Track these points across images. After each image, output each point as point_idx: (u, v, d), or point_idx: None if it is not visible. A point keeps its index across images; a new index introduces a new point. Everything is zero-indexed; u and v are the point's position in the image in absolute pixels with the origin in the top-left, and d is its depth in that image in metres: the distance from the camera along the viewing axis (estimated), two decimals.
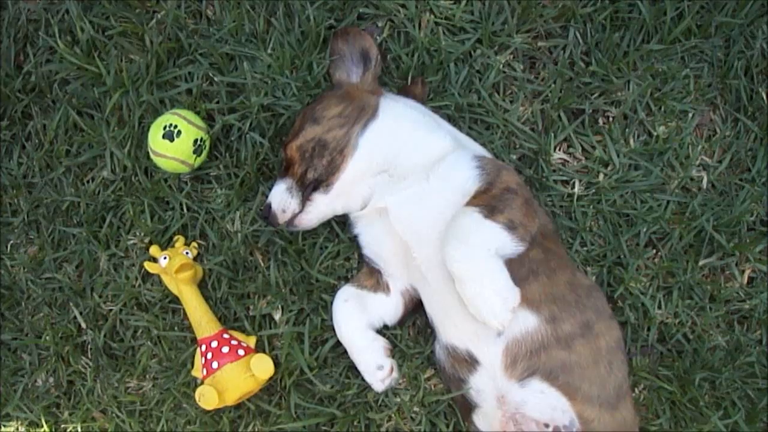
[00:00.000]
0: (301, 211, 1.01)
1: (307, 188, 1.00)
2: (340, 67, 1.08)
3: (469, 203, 0.88)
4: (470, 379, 0.93)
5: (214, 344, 1.05)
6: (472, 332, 0.91)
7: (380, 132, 0.98)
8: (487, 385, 0.91)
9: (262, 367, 1.02)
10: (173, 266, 1.06)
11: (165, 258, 1.08)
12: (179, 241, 1.12)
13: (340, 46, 1.08)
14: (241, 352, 1.05)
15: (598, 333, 0.88)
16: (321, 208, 1.01)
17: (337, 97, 1.02)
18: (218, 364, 1.03)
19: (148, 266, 1.10)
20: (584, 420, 0.86)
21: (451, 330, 0.94)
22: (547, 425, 0.86)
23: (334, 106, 1.00)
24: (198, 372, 1.07)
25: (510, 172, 0.95)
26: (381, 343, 1.02)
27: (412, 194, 0.93)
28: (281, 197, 1.01)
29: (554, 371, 0.86)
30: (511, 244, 0.87)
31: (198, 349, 1.07)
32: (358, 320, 1.01)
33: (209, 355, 1.05)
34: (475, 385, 0.92)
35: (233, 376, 1.03)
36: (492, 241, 0.85)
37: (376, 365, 1.01)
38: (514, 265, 0.86)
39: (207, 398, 1.01)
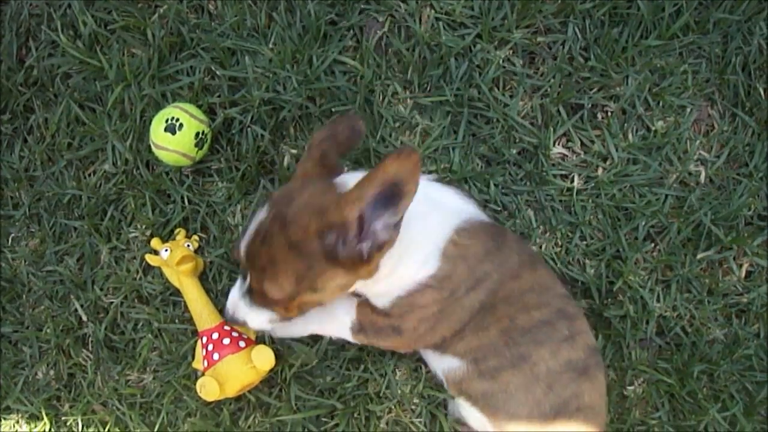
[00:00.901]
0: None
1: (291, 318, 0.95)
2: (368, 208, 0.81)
3: (359, 312, 0.97)
4: None
5: (215, 336, 1.05)
6: (424, 353, 1.06)
7: (372, 286, 0.92)
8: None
9: (263, 358, 1.03)
10: (174, 258, 1.06)
11: (166, 250, 1.09)
12: (180, 233, 1.13)
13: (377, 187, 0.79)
14: (242, 343, 1.05)
15: (537, 361, 0.91)
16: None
17: (341, 269, 0.84)
18: (219, 355, 1.04)
19: (150, 259, 1.10)
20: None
21: None
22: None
23: (339, 278, 0.85)
24: (199, 364, 1.08)
25: (422, 310, 0.91)
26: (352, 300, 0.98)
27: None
28: (261, 324, 0.94)
29: (474, 397, 0.96)
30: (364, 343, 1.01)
31: (199, 341, 1.08)
32: None
33: (210, 347, 1.05)
34: None
35: (234, 368, 1.03)
36: (333, 333, 1.02)
37: (350, 320, 1.00)
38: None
39: (208, 389, 1.02)
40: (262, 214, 0.87)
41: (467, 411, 1.00)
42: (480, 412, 0.96)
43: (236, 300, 0.93)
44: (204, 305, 1.08)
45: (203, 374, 1.05)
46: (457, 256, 0.89)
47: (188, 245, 1.11)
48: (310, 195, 0.84)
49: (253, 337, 1.09)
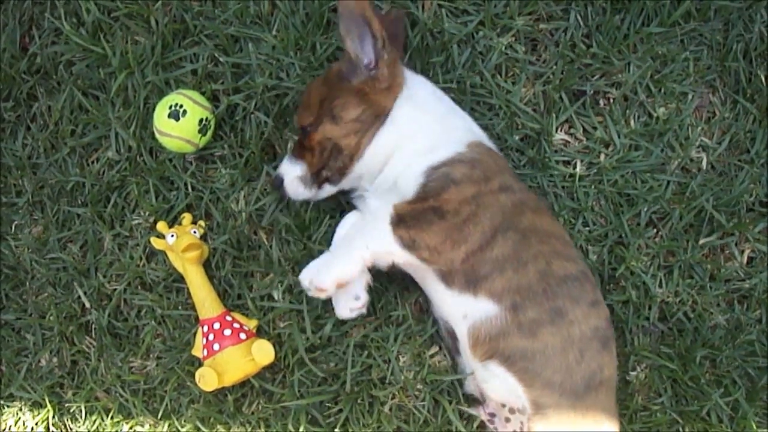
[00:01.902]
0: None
1: (320, 182, 1.04)
2: (348, 41, 0.97)
3: (396, 206, 0.93)
4: (457, 349, 1.01)
5: (217, 326, 1.06)
6: (446, 309, 0.97)
7: (386, 143, 0.98)
8: (465, 357, 0.98)
9: (263, 353, 1.04)
10: (181, 245, 1.07)
11: (173, 236, 1.09)
12: (186, 219, 1.13)
13: (344, 22, 0.97)
14: (242, 335, 1.05)
15: (573, 321, 0.88)
16: (326, 192, 1.06)
17: (355, 96, 0.98)
18: (220, 346, 1.04)
19: (155, 242, 1.10)
20: (538, 405, 0.88)
21: (434, 304, 1.02)
22: (503, 405, 0.93)
23: (353, 109, 0.97)
24: (198, 352, 1.08)
25: (459, 190, 0.90)
26: (366, 276, 0.98)
27: (380, 194, 1.00)
28: (294, 184, 1.03)
29: (512, 357, 0.89)
30: (396, 257, 0.92)
31: (200, 329, 1.08)
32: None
33: (211, 337, 1.05)
34: (461, 356, 1.01)
35: (234, 359, 1.03)
36: (377, 245, 0.92)
37: (354, 294, 1.00)
38: (476, 263, 0.89)
39: (207, 379, 1.02)
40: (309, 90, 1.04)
41: (499, 379, 0.90)
42: (516, 378, 0.89)
43: (285, 159, 1.06)
44: (207, 293, 1.08)
45: (201, 363, 1.06)
46: (484, 151, 0.97)
47: (194, 232, 1.11)
48: (348, 45, 0.97)
49: (254, 329, 1.09)
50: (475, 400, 1.04)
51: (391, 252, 0.92)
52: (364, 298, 1.01)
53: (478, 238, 0.89)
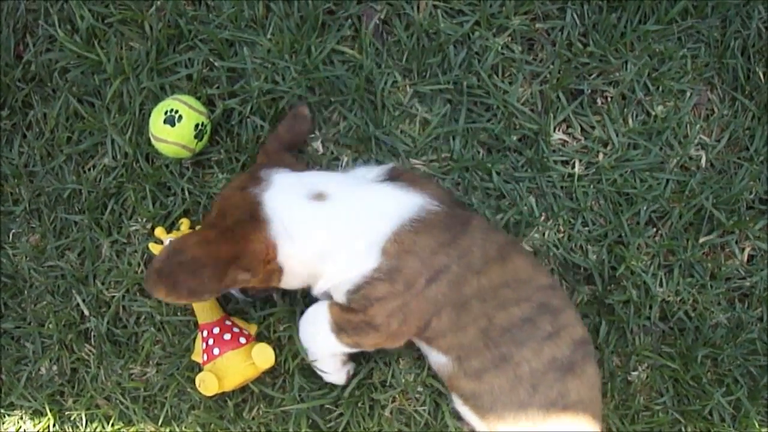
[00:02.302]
0: None
1: (248, 295, 1.06)
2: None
3: (333, 313, 0.96)
4: None
5: (216, 330, 1.05)
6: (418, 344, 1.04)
7: (294, 279, 0.97)
8: None
9: (264, 357, 1.03)
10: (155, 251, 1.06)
11: (170, 241, 1.08)
12: (184, 224, 1.12)
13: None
14: (242, 340, 1.05)
15: (519, 361, 0.90)
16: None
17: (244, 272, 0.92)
18: (220, 350, 1.03)
19: (153, 248, 1.10)
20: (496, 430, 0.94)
21: None
22: (472, 430, 1.01)
23: (246, 281, 0.93)
24: (198, 357, 1.07)
25: (383, 305, 0.91)
26: (347, 367, 1.06)
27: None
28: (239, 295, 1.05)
29: (464, 395, 0.96)
30: (358, 349, 0.99)
31: (199, 334, 1.07)
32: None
33: (210, 341, 1.05)
34: None
35: (234, 364, 1.03)
36: (329, 349, 1.00)
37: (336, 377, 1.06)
38: (419, 334, 0.96)
39: (207, 384, 1.02)
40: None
41: (460, 408, 1.00)
42: (471, 411, 0.97)
43: None
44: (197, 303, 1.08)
45: (202, 367, 1.05)
46: (402, 251, 0.90)
47: (164, 243, 1.10)
48: (228, 188, 0.95)
49: (253, 334, 1.08)
50: (460, 417, 1.05)
51: (343, 350, 1.00)
52: (350, 366, 1.07)
53: (415, 329, 0.94)
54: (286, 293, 1.10)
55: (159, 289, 0.88)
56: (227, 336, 1.05)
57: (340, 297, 0.96)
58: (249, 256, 0.89)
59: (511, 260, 0.94)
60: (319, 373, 1.05)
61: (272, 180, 0.93)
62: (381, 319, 0.92)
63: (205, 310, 1.07)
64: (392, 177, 0.99)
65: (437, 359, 0.98)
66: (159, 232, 1.10)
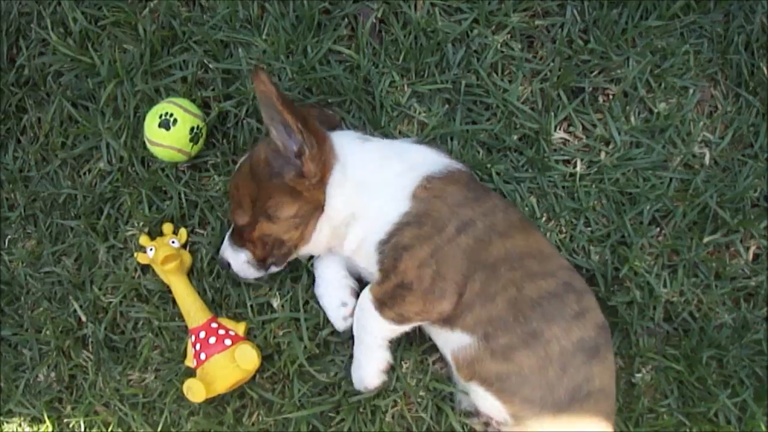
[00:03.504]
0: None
1: (267, 266, 1.04)
2: (273, 130, 0.95)
3: (372, 291, 0.95)
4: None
5: (203, 335, 1.04)
6: (432, 336, 1.02)
7: (331, 227, 0.98)
8: (456, 376, 1.00)
9: (247, 357, 1.01)
10: (159, 257, 1.05)
11: (151, 249, 1.07)
12: (167, 228, 1.11)
13: (264, 109, 0.93)
14: (228, 341, 1.04)
15: (550, 339, 0.88)
16: (276, 270, 1.06)
17: (288, 195, 0.95)
18: (206, 355, 1.03)
19: (139, 257, 1.09)
20: (519, 418, 0.91)
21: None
22: (490, 418, 0.96)
23: (287, 207, 0.96)
24: (190, 362, 1.06)
25: (412, 255, 0.90)
26: (349, 282, 1.03)
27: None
28: (241, 267, 1.03)
29: (488, 379, 0.93)
30: (403, 329, 0.96)
31: (188, 339, 1.06)
32: (333, 257, 1.02)
33: (198, 347, 1.04)
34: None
35: (221, 367, 1.02)
36: (379, 332, 0.96)
37: (340, 301, 1.02)
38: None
39: (194, 391, 1.01)
40: (245, 156, 1.01)
41: (481, 397, 0.94)
42: (494, 396, 0.92)
43: (225, 243, 1.05)
44: (192, 302, 1.07)
45: (194, 372, 1.04)
46: (431, 197, 0.92)
47: (173, 242, 1.09)
48: (273, 135, 0.94)
49: (242, 333, 1.07)
50: (469, 413, 1.03)
51: (394, 330, 0.96)
52: (351, 303, 1.02)
53: (454, 289, 0.91)
54: (285, 297, 1.09)
55: (242, 166, 0.99)
56: (212, 339, 1.04)
57: (370, 254, 0.94)
58: (319, 156, 0.93)
59: (533, 234, 0.96)
60: (358, 378, 1.02)
61: (328, 133, 0.98)
62: (412, 273, 0.90)
63: (191, 314, 1.06)
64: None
65: (460, 342, 0.93)
66: (143, 240, 1.09)
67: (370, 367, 1.00)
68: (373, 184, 0.95)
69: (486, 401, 0.94)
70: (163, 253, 1.05)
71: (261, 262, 1.02)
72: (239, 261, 1.02)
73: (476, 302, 0.90)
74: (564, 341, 0.88)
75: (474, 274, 0.90)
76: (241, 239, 1.01)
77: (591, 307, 0.94)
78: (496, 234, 0.91)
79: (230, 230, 1.04)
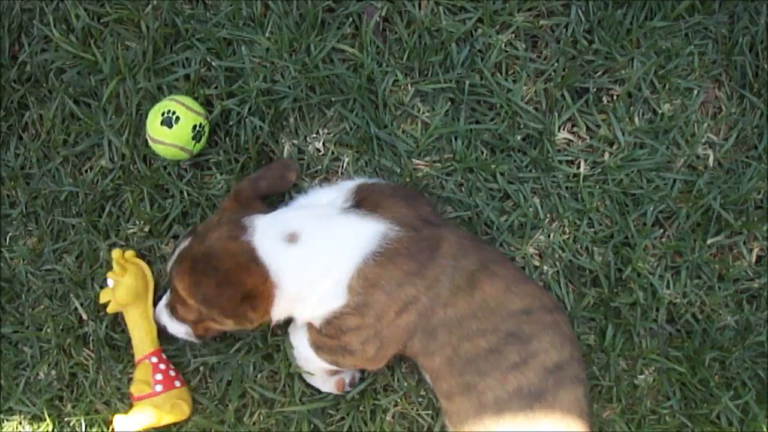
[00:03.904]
0: None
1: (208, 339, 1.05)
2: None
3: (311, 334, 0.98)
4: None
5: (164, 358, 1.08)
6: None
7: (275, 318, 0.98)
8: None
9: (178, 410, 1.04)
10: (102, 300, 1.08)
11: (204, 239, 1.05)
12: (116, 254, 1.05)
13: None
14: (159, 387, 1.05)
15: (484, 390, 0.90)
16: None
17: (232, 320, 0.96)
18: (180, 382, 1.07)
19: (102, 295, 1.10)
20: None
21: None
22: None
23: (230, 323, 0.96)
24: (147, 387, 1.05)
25: (356, 334, 0.92)
26: (339, 377, 1.06)
27: None
28: (181, 335, 1.03)
29: (442, 410, 0.98)
30: (339, 368, 1.00)
31: (147, 362, 1.07)
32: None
33: (163, 366, 1.07)
34: None
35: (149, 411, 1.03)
36: (316, 363, 1.00)
37: (323, 373, 1.05)
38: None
39: (184, 408, 1.05)
40: (185, 242, 0.97)
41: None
42: (448, 424, 0.97)
43: (161, 307, 1.05)
44: (136, 335, 1.08)
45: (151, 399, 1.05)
46: (368, 286, 0.90)
47: (107, 282, 1.08)
48: (216, 239, 0.93)
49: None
50: None
51: (328, 366, 1.00)
52: (345, 375, 1.06)
53: (392, 353, 0.96)
54: None
55: (182, 279, 0.93)
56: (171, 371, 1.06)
57: (316, 323, 0.97)
58: (260, 296, 0.91)
59: (481, 288, 0.91)
60: (307, 380, 1.05)
61: (255, 225, 0.94)
62: (356, 345, 0.94)
63: (150, 336, 1.07)
64: (358, 200, 0.97)
65: (425, 378, 1.01)
66: (116, 256, 1.05)
67: (325, 388, 1.06)
68: (314, 281, 0.93)
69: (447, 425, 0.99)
70: (105, 298, 1.07)
71: (202, 338, 1.03)
72: (179, 332, 1.02)
73: (419, 354, 0.94)
74: (498, 391, 0.89)
75: (413, 338, 0.93)
76: (180, 317, 1.00)
77: (539, 351, 0.90)
78: (439, 304, 0.91)
79: (167, 299, 1.02)
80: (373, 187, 1.00)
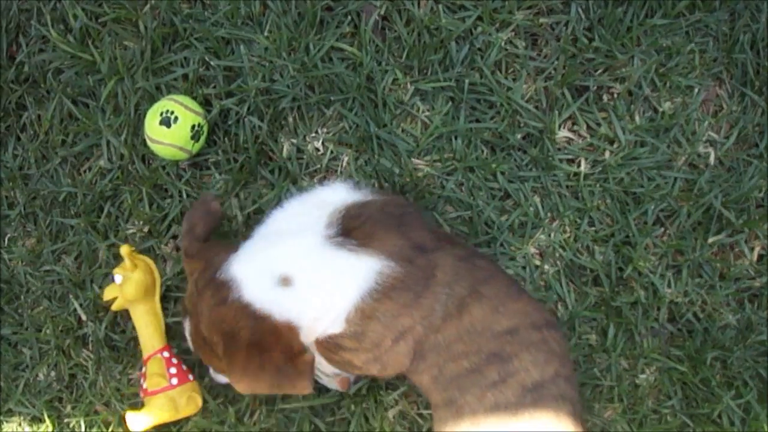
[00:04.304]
0: None
1: None
2: None
3: (317, 340, 0.95)
4: None
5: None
6: None
7: None
8: None
9: (191, 404, 1.05)
10: (108, 297, 1.06)
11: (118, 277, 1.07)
12: (124, 249, 1.04)
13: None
14: (174, 381, 1.04)
15: (462, 405, 0.91)
16: None
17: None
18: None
19: (106, 293, 1.08)
20: None
21: None
22: None
23: None
24: (163, 380, 1.04)
25: (355, 355, 0.92)
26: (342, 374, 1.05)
27: None
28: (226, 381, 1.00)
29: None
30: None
31: (159, 356, 1.06)
32: None
33: (175, 361, 1.07)
34: None
35: (160, 405, 1.03)
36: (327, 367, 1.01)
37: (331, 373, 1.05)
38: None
39: (197, 401, 1.04)
40: (188, 326, 0.95)
41: None
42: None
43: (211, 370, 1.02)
44: (144, 333, 1.07)
45: (169, 392, 1.04)
46: (365, 318, 0.89)
47: (114, 279, 1.06)
48: (209, 311, 0.90)
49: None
50: None
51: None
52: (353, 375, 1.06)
53: (395, 372, 0.96)
54: None
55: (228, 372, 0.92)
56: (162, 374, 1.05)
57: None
58: (289, 343, 0.89)
59: (469, 312, 0.91)
60: (316, 378, 1.04)
61: (237, 278, 0.89)
62: (358, 363, 0.94)
63: (159, 332, 1.07)
64: (347, 230, 0.91)
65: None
66: (125, 251, 1.04)
67: (330, 385, 1.06)
68: (314, 315, 0.90)
69: None
70: (110, 295, 1.05)
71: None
72: (225, 380, 0.99)
73: (408, 372, 0.95)
74: (475, 406, 0.90)
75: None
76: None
77: (519, 370, 0.89)
78: (432, 331, 0.91)
79: None
80: (363, 213, 0.93)
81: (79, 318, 1.16)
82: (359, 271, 0.89)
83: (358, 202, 0.95)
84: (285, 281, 0.88)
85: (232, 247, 0.94)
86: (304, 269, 0.89)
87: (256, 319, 0.87)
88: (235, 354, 0.88)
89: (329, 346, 0.94)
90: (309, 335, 0.92)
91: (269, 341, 0.88)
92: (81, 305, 1.15)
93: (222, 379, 1.00)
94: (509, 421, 0.89)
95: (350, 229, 0.91)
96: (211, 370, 1.01)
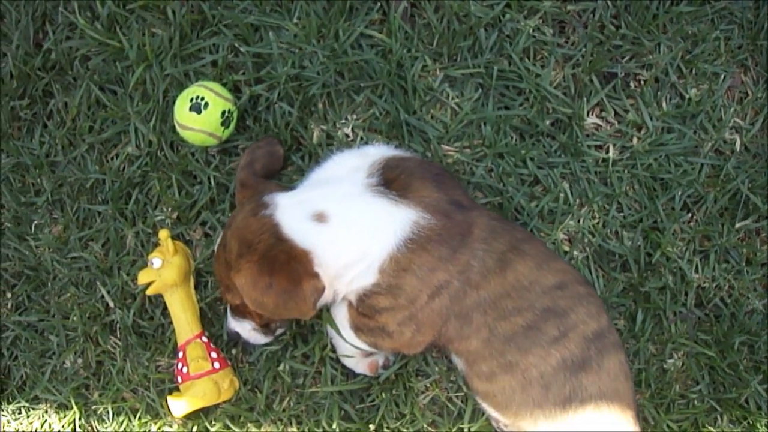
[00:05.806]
0: None
1: (273, 329, 1.04)
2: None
3: (351, 314, 0.98)
4: None
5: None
6: None
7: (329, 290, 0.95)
8: None
9: (231, 387, 1.06)
10: (143, 281, 1.06)
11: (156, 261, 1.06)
12: (163, 234, 1.05)
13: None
14: (217, 365, 1.05)
15: (527, 367, 0.91)
16: (282, 331, 1.07)
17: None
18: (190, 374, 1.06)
19: (142, 276, 1.07)
20: (516, 424, 0.95)
21: None
22: (497, 421, 1.00)
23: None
24: (206, 363, 1.05)
25: (390, 315, 0.93)
26: (373, 358, 1.05)
27: None
28: (252, 336, 1.03)
29: (480, 394, 0.98)
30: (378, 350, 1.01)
31: (199, 341, 1.07)
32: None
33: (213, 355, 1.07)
34: None
35: (201, 390, 1.04)
36: (355, 344, 1.00)
37: (357, 354, 1.05)
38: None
39: (234, 383, 1.05)
40: (220, 238, 0.98)
41: (482, 405, 1.01)
42: (490, 407, 0.98)
43: (228, 316, 1.04)
44: (180, 319, 1.07)
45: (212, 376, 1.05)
46: (400, 270, 0.90)
47: (152, 263, 1.05)
48: (240, 219, 0.92)
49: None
50: None
51: (367, 348, 1.00)
52: (378, 358, 1.06)
53: (430, 338, 0.96)
54: None
55: (236, 276, 0.90)
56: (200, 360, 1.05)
57: (353, 299, 0.97)
58: (302, 268, 0.89)
59: (512, 268, 0.92)
60: (343, 361, 1.04)
61: (277, 202, 0.91)
62: (393, 326, 0.94)
63: (196, 317, 1.08)
64: (386, 180, 0.93)
65: (454, 359, 1.00)
66: (163, 235, 1.05)
67: (359, 369, 1.06)
68: (344, 271, 0.92)
69: (486, 409, 1.00)
70: (146, 278, 1.05)
71: (266, 327, 1.02)
72: (246, 330, 1.01)
73: (454, 339, 0.94)
74: (543, 366, 0.90)
75: (447, 323, 0.93)
76: (240, 312, 1.00)
77: (578, 323, 0.91)
78: (471, 287, 0.91)
79: (228, 305, 1.03)
80: (401, 165, 0.96)
81: (107, 305, 1.16)
82: (396, 219, 0.90)
83: (398, 155, 0.99)
84: (320, 217, 0.90)
85: (284, 187, 0.99)
86: (341, 210, 0.91)
87: (277, 238, 0.88)
88: (247, 263, 0.88)
89: (365, 309, 0.93)
90: (339, 286, 0.93)
91: (281, 260, 0.87)
92: (108, 292, 1.15)
93: (234, 325, 1.01)
94: (580, 374, 0.89)
95: (389, 179, 0.93)
96: (228, 318, 1.02)
